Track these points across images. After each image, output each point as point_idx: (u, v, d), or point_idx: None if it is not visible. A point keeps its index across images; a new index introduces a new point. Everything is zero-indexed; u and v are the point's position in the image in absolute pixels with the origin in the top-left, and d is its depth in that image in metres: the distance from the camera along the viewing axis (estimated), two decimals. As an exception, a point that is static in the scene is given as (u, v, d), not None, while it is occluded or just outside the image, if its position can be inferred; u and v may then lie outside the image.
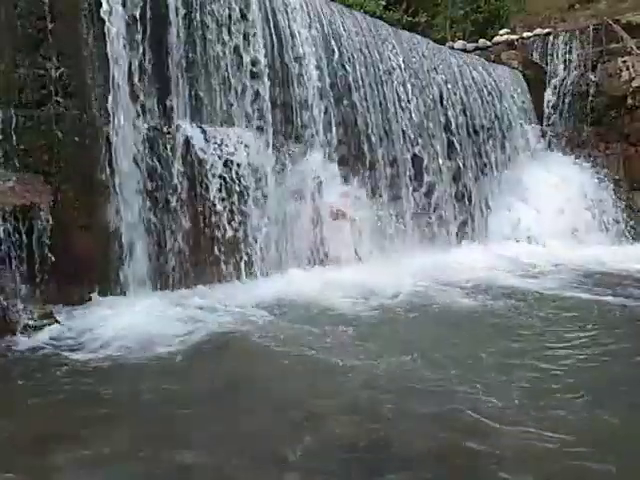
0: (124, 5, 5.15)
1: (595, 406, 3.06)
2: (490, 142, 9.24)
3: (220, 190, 5.63)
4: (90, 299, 4.82)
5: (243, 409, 3.10)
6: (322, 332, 4.26)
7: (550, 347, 4.04)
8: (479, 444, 2.65)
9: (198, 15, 5.74)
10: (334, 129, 7.03)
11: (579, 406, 3.06)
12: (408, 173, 7.89)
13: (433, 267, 6.54)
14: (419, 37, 9.04)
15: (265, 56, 6.23)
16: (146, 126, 5.31)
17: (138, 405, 3.17)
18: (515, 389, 3.27)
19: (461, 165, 8.72)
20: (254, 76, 6.15)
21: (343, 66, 7.24)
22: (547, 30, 11.05)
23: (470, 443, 2.66)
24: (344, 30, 7.38)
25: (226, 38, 5.94)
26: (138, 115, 5.25)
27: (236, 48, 6.01)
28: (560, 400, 3.15)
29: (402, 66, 8.02)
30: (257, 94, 6.16)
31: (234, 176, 5.74)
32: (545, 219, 8.89)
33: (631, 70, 9.73)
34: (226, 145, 5.74)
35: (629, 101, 9.67)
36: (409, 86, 8.05)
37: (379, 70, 7.71)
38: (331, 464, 2.55)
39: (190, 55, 5.70)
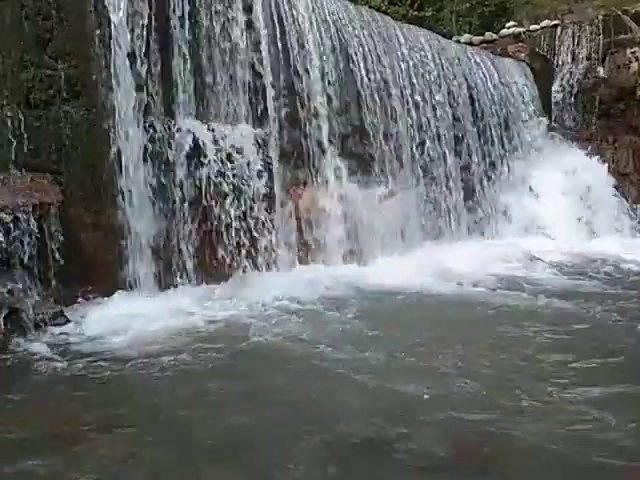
0: (128, 5, 5.15)
1: None
2: (497, 136, 9.18)
3: (228, 186, 5.65)
4: (100, 297, 4.84)
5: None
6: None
7: None
8: None
9: (202, 14, 5.74)
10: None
11: None
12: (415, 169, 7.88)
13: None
14: (426, 31, 9.00)
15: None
16: (152, 124, 5.31)
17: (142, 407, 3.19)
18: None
19: (469, 159, 8.68)
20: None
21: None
22: (554, 22, 10.91)
23: None
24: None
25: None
26: (144, 113, 5.26)
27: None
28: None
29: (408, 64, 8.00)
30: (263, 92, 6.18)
31: (240, 173, 5.76)
32: (553, 213, 8.83)
33: (640, 61, 9.62)
34: (232, 141, 5.75)
35: (638, 93, 9.57)
36: (415, 82, 8.02)
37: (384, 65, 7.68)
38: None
39: (195, 53, 5.70)
